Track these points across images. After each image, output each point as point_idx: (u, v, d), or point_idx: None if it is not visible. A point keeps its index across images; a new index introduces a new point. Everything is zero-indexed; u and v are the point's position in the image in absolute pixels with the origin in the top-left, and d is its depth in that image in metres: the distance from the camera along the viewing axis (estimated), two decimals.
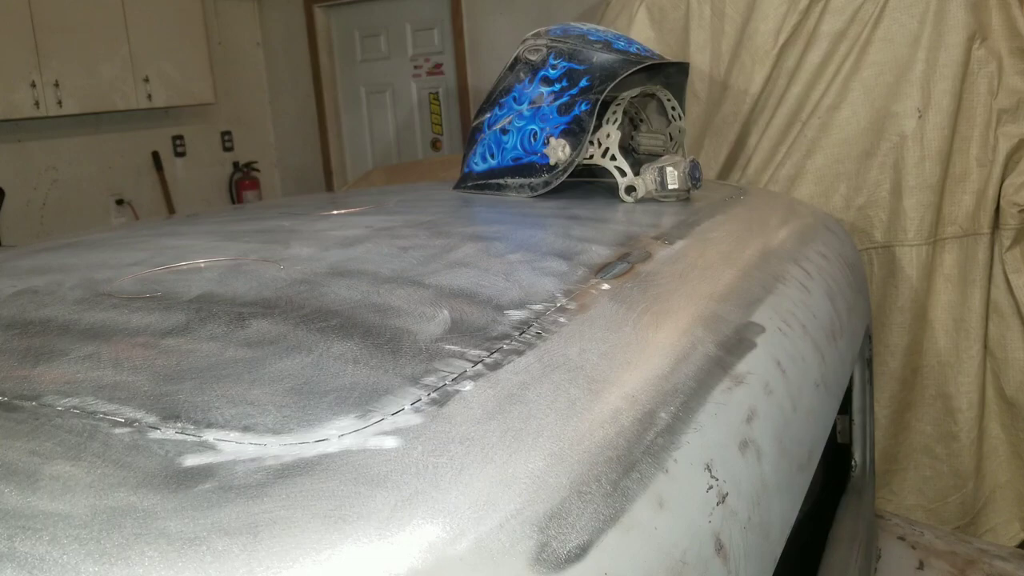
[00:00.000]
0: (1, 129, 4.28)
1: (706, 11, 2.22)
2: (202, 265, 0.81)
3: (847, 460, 1.29)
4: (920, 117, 1.95)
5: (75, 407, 0.52)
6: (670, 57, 1.26)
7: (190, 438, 0.48)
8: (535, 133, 1.18)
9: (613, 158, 1.17)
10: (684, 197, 1.16)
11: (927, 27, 1.93)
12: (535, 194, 1.18)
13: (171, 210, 5.07)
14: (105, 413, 0.51)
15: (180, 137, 5.23)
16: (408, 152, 5.28)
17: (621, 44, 1.19)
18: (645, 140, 1.27)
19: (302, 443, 0.47)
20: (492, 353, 0.60)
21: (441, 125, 5.06)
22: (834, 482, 1.26)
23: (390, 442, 0.48)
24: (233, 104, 5.46)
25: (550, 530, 0.46)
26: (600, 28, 1.24)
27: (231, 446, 0.47)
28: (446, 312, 0.67)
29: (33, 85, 4.13)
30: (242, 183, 5.54)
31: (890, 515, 1.67)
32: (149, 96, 4.65)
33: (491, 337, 0.63)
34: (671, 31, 2.28)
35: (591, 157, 1.18)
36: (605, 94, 1.13)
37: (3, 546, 0.40)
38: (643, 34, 2.29)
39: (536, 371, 0.59)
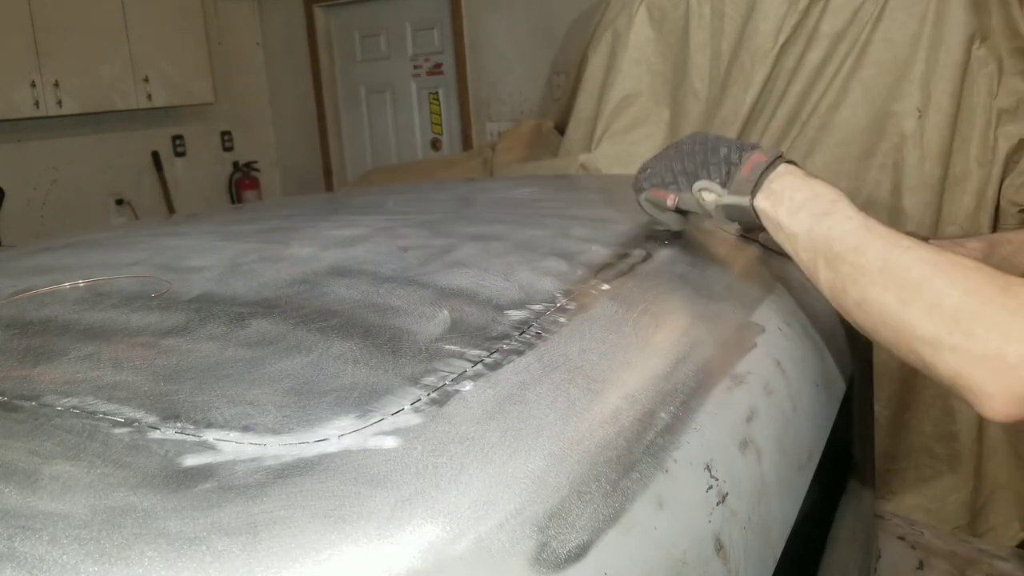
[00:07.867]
0: (1, 129, 4.27)
1: (706, 11, 2.22)
2: (67, 287, 0.79)
3: (847, 460, 1.29)
4: (920, 117, 1.95)
5: (75, 407, 0.52)
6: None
7: (190, 438, 0.48)
8: None
9: None
10: None
11: (927, 27, 1.93)
12: None
13: (171, 210, 5.07)
14: (105, 413, 0.51)
15: (180, 137, 5.22)
16: (408, 152, 5.27)
17: None
18: None
19: (302, 443, 0.47)
20: (492, 353, 0.60)
21: (441, 125, 5.06)
22: (834, 482, 1.26)
23: (390, 442, 0.48)
24: (233, 104, 5.46)
25: (550, 530, 0.46)
26: None
27: (231, 446, 0.47)
28: (446, 312, 0.67)
29: (33, 85, 4.13)
30: (242, 183, 5.53)
31: (890, 515, 1.67)
32: (149, 96, 4.64)
33: (491, 337, 0.63)
34: (671, 31, 2.28)
35: None
36: None
37: (3, 546, 0.40)
38: (643, 34, 2.29)
39: (536, 371, 0.59)
